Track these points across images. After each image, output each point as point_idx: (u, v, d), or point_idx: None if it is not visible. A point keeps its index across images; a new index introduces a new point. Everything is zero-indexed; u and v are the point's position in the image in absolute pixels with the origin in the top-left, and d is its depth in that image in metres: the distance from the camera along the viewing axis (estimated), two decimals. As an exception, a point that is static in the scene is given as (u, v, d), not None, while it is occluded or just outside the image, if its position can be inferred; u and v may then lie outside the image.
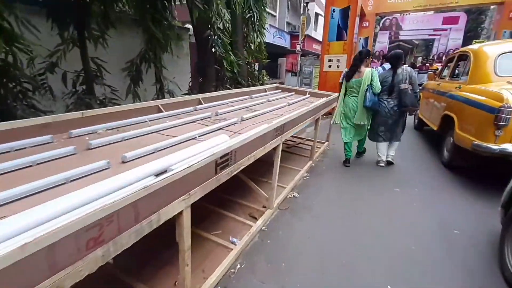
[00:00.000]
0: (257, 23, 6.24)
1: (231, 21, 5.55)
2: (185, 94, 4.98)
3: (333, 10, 7.63)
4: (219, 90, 4.82)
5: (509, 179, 1.81)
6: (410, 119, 6.45)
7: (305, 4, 8.42)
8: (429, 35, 23.26)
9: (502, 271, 1.77)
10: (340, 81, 3.89)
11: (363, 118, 3.55)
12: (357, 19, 7.86)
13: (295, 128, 2.89)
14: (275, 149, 2.44)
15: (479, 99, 2.73)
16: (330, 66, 8.09)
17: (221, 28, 5.38)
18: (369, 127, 3.76)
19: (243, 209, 2.58)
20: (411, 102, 3.35)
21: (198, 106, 2.89)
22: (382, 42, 20.17)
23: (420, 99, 5.58)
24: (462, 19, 19.57)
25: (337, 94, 4.28)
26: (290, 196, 2.91)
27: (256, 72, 5.60)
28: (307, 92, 4.74)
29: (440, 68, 5.21)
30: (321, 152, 4.44)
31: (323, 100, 3.93)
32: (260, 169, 3.21)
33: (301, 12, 8.42)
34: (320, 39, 10.50)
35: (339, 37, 7.75)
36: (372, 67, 4.31)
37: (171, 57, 4.70)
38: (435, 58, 22.25)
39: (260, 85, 5.62)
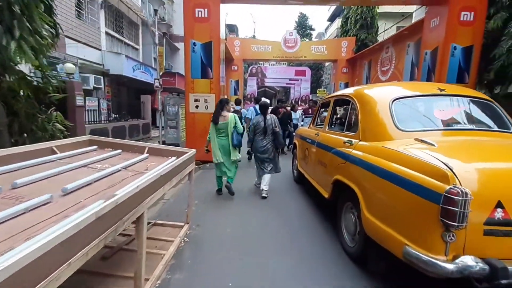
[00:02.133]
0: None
1: None
2: None
3: (194, 44, 6.45)
4: None
5: None
6: (288, 169, 5.73)
7: (161, 34, 6.89)
8: (286, 83, 27.31)
9: None
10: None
11: (236, 155, 4.13)
12: (223, 58, 7.01)
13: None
14: None
15: (402, 172, 1.68)
16: (197, 106, 6.69)
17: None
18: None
19: None
20: (282, 141, 4.31)
21: None
22: (252, 86, 22.24)
23: (297, 148, 4.85)
24: (308, 72, 23.91)
25: (194, 150, 2.84)
26: None
27: (40, 117, 3.07)
28: (146, 149, 2.88)
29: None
30: (177, 247, 2.56)
31: (170, 163, 2.24)
32: None
33: (156, 41, 6.81)
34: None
35: (204, 75, 6.57)
36: (248, 107, 5.27)
37: None
38: (293, 102, 26.08)
39: (50, 138, 3.12)
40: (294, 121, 8.15)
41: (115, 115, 9.41)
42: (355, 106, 2.58)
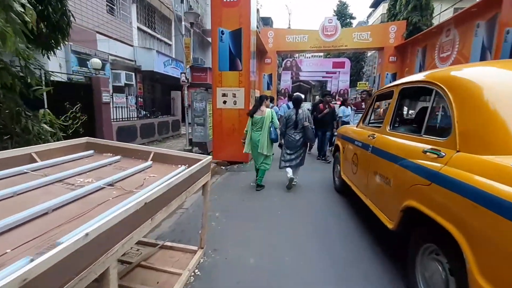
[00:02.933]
0: None
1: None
2: None
3: (222, 32, 5.82)
4: None
5: None
6: (328, 175, 4.86)
7: (189, 25, 6.39)
8: (323, 77, 25.77)
9: None
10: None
11: (266, 149, 4.16)
12: (253, 50, 6.30)
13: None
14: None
15: None
16: (225, 102, 6.10)
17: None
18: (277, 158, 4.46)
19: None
20: (312, 136, 4.28)
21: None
22: (286, 81, 21.45)
23: (340, 150, 3.97)
24: (347, 64, 22.24)
25: (209, 157, 2.16)
26: None
27: (25, 116, 2.33)
28: (151, 155, 2.29)
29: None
30: (183, 286, 1.94)
31: (176, 175, 1.62)
32: None
33: (182, 32, 6.32)
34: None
35: (233, 66, 5.93)
36: (281, 104, 5.48)
37: None
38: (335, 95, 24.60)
39: (38, 141, 2.37)
40: (344, 119, 6.52)
41: (146, 112, 9.28)
42: (444, 97, 1.67)
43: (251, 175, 5.17)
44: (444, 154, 1.55)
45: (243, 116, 6.03)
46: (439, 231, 1.47)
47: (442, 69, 2.11)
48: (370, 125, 3.03)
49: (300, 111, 4.17)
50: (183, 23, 6.43)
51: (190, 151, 6.99)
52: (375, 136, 2.58)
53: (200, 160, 2.17)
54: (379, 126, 2.64)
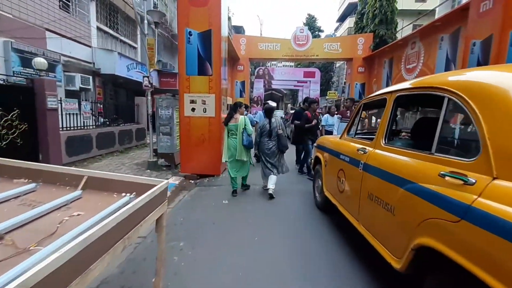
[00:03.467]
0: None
1: None
2: None
3: (190, 33, 5.30)
4: None
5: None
6: (309, 188, 4.49)
7: (153, 26, 5.76)
8: (294, 85, 26.15)
9: None
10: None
11: (243, 155, 4.23)
12: (225, 56, 5.85)
13: None
14: None
15: None
16: (193, 109, 5.53)
17: None
18: (252, 164, 4.62)
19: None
20: (286, 143, 4.36)
21: None
22: (259, 89, 21.42)
23: (321, 164, 3.60)
24: (317, 74, 22.76)
25: (166, 182, 1.59)
26: None
27: None
28: (83, 181, 1.68)
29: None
30: None
31: (119, 208, 1.08)
32: None
33: (144, 31, 5.68)
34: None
35: (202, 71, 5.41)
36: (254, 111, 6.36)
37: None
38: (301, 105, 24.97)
39: None
40: (327, 128, 6.13)
41: (106, 120, 8.33)
42: (464, 107, 1.33)
43: (223, 190, 4.64)
44: (474, 180, 1.19)
45: (213, 125, 5.50)
46: (473, 283, 1.09)
47: (452, 72, 1.81)
48: (357, 136, 2.69)
49: (273, 120, 4.30)
50: (145, 21, 5.79)
51: (155, 163, 6.26)
52: (366, 150, 2.22)
53: (154, 185, 1.62)
54: (370, 139, 2.29)
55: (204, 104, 5.47)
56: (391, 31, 13.32)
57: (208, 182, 5.38)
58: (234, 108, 4.32)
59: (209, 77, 5.37)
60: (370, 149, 2.18)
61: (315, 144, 4.11)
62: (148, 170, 5.99)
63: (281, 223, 3.34)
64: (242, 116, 4.27)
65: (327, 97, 27.89)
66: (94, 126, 7.23)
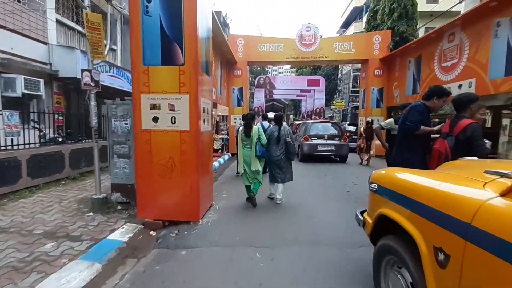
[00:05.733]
0: None
1: None
2: None
3: (148, 0, 3.36)
4: None
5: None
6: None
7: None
8: (297, 95, 24.46)
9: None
10: (235, 135, 4.98)
11: (257, 165, 4.29)
12: (207, 31, 3.86)
13: None
14: None
15: None
16: (156, 119, 3.51)
17: None
18: (265, 172, 4.71)
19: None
20: (293, 151, 4.50)
21: None
22: (259, 99, 19.89)
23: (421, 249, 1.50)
24: (322, 82, 21.06)
25: None
26: None
27: None
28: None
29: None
30: None
31: None
32: None
33: (84, 3, 3.74)
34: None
35: (168, 58, 3.41)
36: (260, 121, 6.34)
37: None
38: (305, 115, 23.27)
39: None
40: None
41: (57, 135, 6.33)
42: None
43: (206, 254, 2.56)
44: None
45: (188, 143, 3.47)
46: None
47: None
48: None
49: (282, 127, 4.48)
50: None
51: (104, 200, 4.19)
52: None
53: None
54: None
55: (173, 110, 3.45)
56: (412, 27, 11.46)
57: (179, 236, 3.30)
58: (252, 118, 4.40)
59: (179, 68, 3.38)
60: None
61: (373, 186, 1.99)
62: (91, 213, 3.91)
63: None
64: (256, 126, 4.41)
65: (332, 106, 26.03)
66: (40, 144, 5.21)
